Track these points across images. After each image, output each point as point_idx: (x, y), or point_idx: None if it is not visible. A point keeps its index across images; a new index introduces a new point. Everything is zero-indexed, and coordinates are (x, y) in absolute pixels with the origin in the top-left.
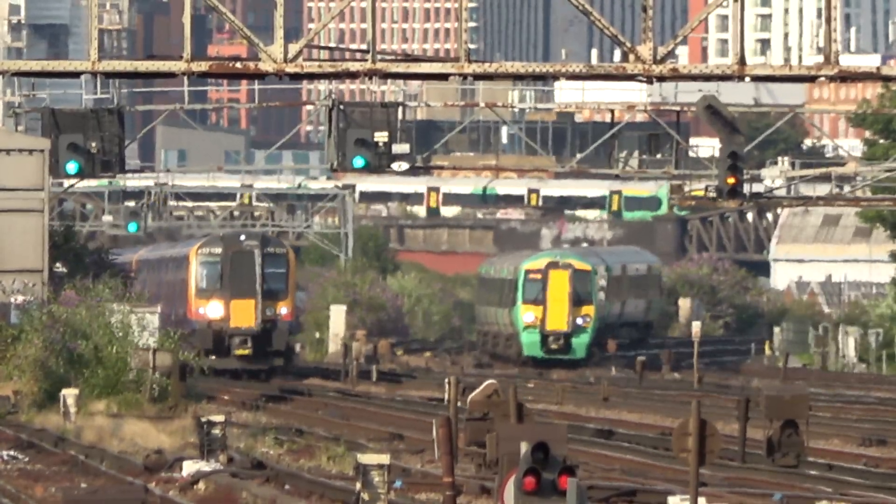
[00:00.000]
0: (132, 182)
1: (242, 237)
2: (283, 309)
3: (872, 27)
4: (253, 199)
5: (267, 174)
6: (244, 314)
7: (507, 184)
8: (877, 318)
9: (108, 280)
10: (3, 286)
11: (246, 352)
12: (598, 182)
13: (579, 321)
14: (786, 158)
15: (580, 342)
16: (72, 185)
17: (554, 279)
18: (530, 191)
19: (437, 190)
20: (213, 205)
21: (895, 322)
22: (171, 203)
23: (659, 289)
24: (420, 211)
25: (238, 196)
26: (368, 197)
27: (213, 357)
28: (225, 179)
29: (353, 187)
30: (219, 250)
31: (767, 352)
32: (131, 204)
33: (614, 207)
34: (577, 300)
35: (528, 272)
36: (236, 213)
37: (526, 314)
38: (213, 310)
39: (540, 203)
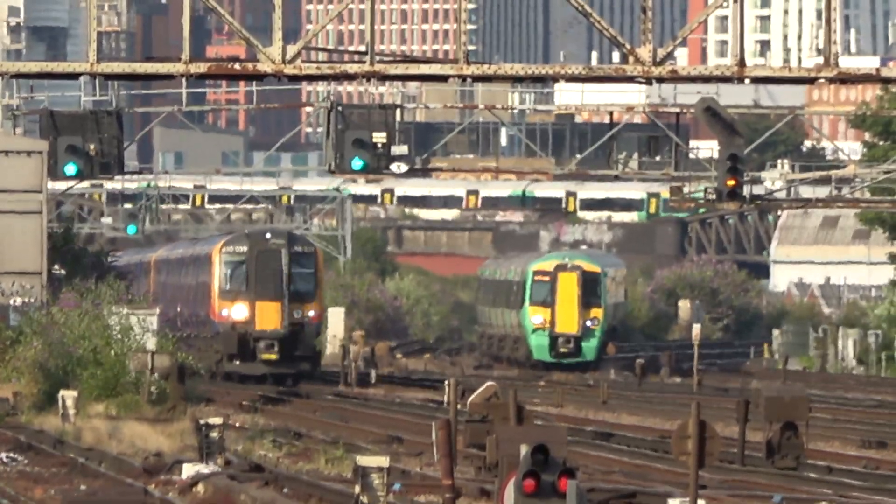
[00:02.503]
0: (170, 183)
1: (268, 235)
2: (311, 311)
3: (872, 29)
4: (292, 200)
5: (266, 176)
6: (270, 316)
7: (545, 186)
8: (875, 319)
9: (112, 282)
10: (3, 288)
11: (272, 356)
12: (635, 185)
13: (588, 323)
14: (785, 161)
15: (590, 345)
16: (71, 186)
17: (563, 281)
18: (568, 193)
19: (475, 193)
20: (248, 206)
21: (893, 324)
22: (209, 207)
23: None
24: (457, 214)
25: (277, 198)
26: (407, 201)
27: (238, 362)
28: (261, 183)
29: (391, 191)
30: (244, 249)
31: (767, 354)
32: (129, 206)
33: (652, 209)
34: (587, 302)
35: (535, 274)
36: (233, 217)
37: (534, 316)
38: (237, 311)
39: (577, 206)
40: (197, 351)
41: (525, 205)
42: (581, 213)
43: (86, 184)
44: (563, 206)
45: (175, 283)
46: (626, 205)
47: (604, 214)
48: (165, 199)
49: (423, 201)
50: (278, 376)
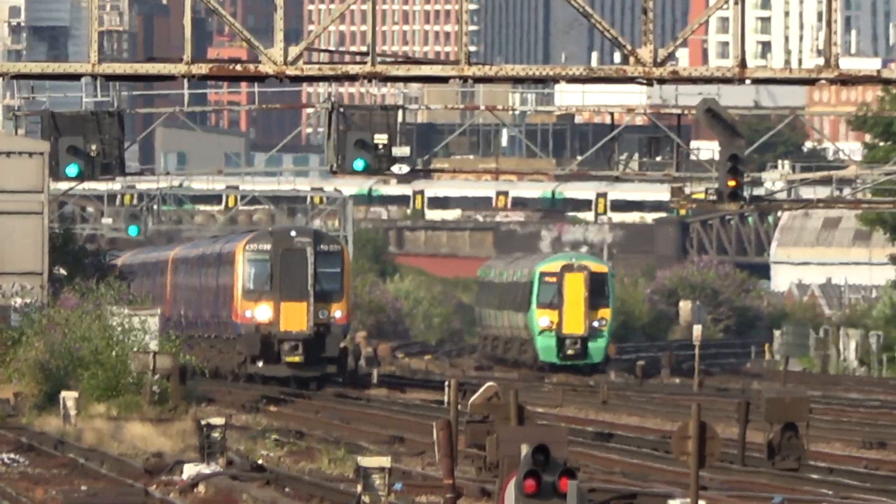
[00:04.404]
0: (198, 184)
1: (293, 233)
2: (338, 312)
3: (872, 30)
4: (324, 200)
5: (267, 176)
6: (295, 317)
7: (574, 187)
8: (872, 321)
9: (113, 282)
10: (3, 289)
11: (297, 359)
12: (662, 186)
13: (595, 324)
14: (786, 161)
15: (597, 346)
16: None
17: (569, 282)
18: (598, 195)
19: (505, 194)
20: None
21: (891, 325)
22: (242, 207)
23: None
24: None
25: (308, 199)
26: (437, 202)
27: (261, 364)
28: (293, 183)
29: (422, 192)
30: (268, 247)
31: (767, 355)
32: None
33: (682, 211)
34: (594, 303)
35: (542, 275)
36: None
37: (541, 318)
38: (261, 312)
39: (608, 207)
40: (218, 353)
41: (555, 206)
42: (611, 214)
43: (117, 185)
44: (594, 207)
45: (195, 282)
46: (656, 205)
47: (604, 216)
48: (168, 199)
49: (453, 202)
50: (302, 379)
